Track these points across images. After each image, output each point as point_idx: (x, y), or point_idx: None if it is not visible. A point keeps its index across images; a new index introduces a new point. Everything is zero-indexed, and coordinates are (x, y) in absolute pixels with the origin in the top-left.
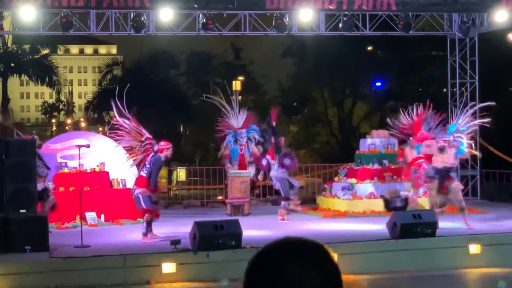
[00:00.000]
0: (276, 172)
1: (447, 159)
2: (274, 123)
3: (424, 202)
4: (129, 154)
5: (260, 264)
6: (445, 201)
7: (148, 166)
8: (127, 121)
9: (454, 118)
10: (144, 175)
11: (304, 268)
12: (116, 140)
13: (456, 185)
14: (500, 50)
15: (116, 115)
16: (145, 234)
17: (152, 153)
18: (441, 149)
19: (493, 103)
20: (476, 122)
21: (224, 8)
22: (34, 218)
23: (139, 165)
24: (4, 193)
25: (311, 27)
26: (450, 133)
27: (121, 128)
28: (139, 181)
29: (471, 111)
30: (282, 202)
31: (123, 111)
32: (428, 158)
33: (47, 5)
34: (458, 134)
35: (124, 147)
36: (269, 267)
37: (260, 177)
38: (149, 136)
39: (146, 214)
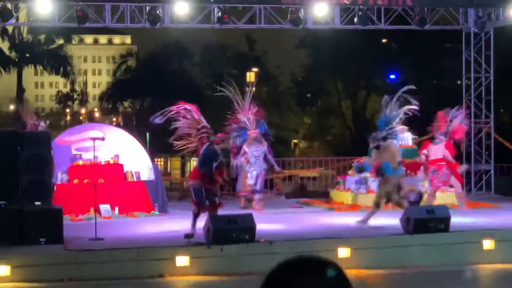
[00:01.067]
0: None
1: None
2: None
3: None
4: (185, 141)
5: (274, 281)
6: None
7: (201, 157)
8: (188, 107)
9: (467, 112)
10: (197, 167)
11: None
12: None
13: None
14: None
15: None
16: (193, 226)
17: (208, 144)
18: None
19: (414, 87)
20: (404, 108)
21: (239, 2)
22: (49, 210)
23: (194, 153)
24: (19, 184)
25: (326, 20)
26: (381, 128)
27: (182, 112)
28: (192, 174)
29: (395, 98)
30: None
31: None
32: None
33: None
34: (389, 127)
35: (180, 133)
36: (282, 285)
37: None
38: (206, 125)
39: (193, 207)
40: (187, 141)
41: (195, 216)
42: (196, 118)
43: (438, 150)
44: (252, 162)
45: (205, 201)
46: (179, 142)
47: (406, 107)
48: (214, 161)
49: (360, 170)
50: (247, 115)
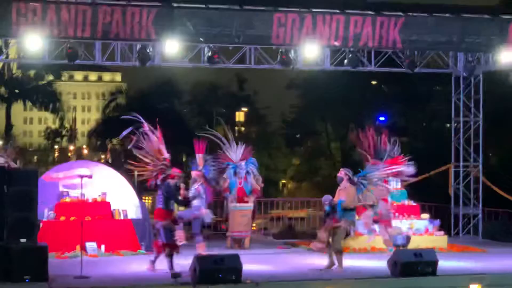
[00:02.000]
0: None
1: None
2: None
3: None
4: (140, 167)
5: None
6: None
7: (161, 196)
8: (154, 134)
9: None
10: (161, 206)
11: None
12: (136, 146)
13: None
14: (505, 88)
15: (146, 124)
16: (170, 268)
17: (163, 176)
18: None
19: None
20: (381, 184)
21: (230, 42)
22: (34, 247)
23: (145, 181)
24: (5, 221)
25: (316, 61)
26: (358, 175)
27: (147, 138)
28: (157, 214)
29: (389, 172)
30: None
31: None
32: None
33: (53, 36)
34: (362, 181)
35: (139, 157)
36: None
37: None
38: (166, 157)
39: (166, 249)
40: (142, 167)
41: (170, 257)
42: (158, 148)
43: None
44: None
45: (174, 239)
46: (135, 163)
47: (384, 186)
48: (174, 192)
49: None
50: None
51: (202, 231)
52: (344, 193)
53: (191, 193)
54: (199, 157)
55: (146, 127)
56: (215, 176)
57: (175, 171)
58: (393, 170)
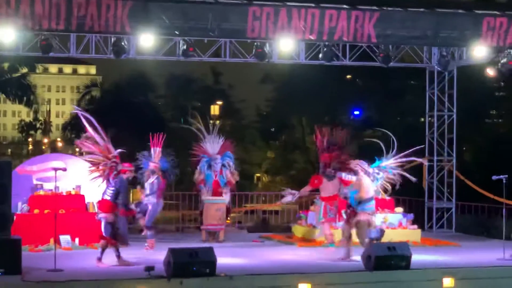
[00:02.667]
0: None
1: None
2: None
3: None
4: (93, 168)
5: None
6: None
7: (112, 188)
8: (99, 135)
9: (430, 149)
10: (109, 198)
11: None
12: (84, 152)
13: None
14: (478, 83)
15: (89, 128)
16: (99, 259)
17: (115, 172)
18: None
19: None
20: (398, 171)
21: (205, 36)
22: (8, 240)
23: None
24: None
25: (291, 55)
26: (372, 166)
27: (92, 140)
28: (103, 205)
29: (403, 159)
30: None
31: (98, 126)
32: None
33: (27, 28)
34: (377, 171)
35: (89, 160)
36: None
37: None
38: (115, 154)
39: (102, 240)
40: (96, 168)
41: (104, 249)
42: (107, 147)
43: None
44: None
45: (116, 232)
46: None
47: (402, 173)
48: (127, 190)
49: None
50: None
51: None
52: (357, 185)
53: (148, 188)
54: (156, 151)
55: (89, 131)
56: (171, 169)
57: (126, 165)
58: (404, 160)
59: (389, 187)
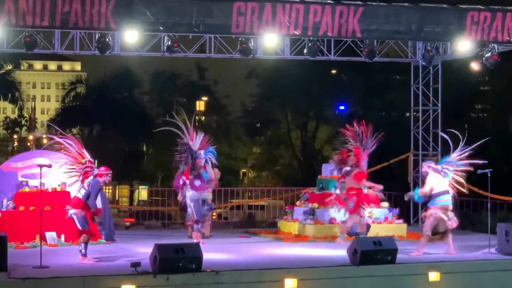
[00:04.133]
0: (190, 193)
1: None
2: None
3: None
4: (69, 174)
5: None
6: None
7: (86, 189)
8: (69, 142)
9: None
10: (80, 196)
11: None
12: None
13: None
14: (463, 77)
15: (58, 139)
16: (84, 255)
17: (91, 177)
18: (424, 175)
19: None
20: (469, 161)
21: (189, 32)
22: None
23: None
24: None
25: (276, 51)
26: (440, 163)
27: (63, 149)
28: (74, 202)
29: (467, 152)
30: (196, 225)
31: (64, 134)
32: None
33: (11, 24)
34: (446, 166)
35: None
36: None
37: (179, 197)
38: (90, 159)
39: (82, 235)
40: (73, 175)
41: (86, 243)
42: (79, 153)
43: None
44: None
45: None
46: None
47: (470, 162)
48: (97, 193)
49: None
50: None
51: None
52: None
53: None
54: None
55: (61, 141)
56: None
57: (102, 169)
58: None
59: (462, 180)
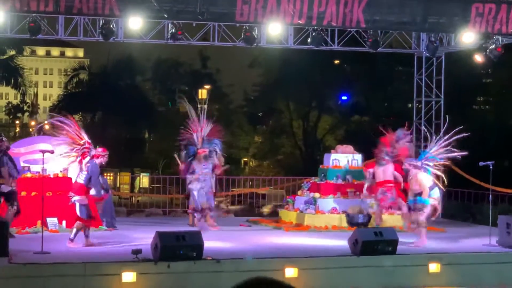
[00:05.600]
0: (191, 185)
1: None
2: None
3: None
4: (67, 154)
5: None
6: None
7: (86, 172)
8: (67, 123)
9: (416, 135)
10: (82, 182)
11: None
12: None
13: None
14: (466, 69)
15: (54, 122)
16: (71, 240)
17: (88, 157)
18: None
19: (467, 134)
20: (448, 155)
21: (193, 19)
22: None
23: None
24: None
25: (280, 40)
26: (419, 159)
27: (62, 129)
28: (77, 188)
29: (446, 143)
30: (196, 214)
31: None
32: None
33: (15, 9)
34: (426, 162)
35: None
36: None
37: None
38: (88, 140)
39: (77, 222)
40: (71, 155)
41: (79, 230)
42: (77, 134)
43: (385, 171)
44: (201, 180)
45: (90, 214)
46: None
47: (450, 155)
48: (98, 175)
49: None
50: (198, 132)
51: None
52: (415, 182)
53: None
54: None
55: (59, 124)
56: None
57: (99, 150)
58: (446, 147)
59: (442, 175)
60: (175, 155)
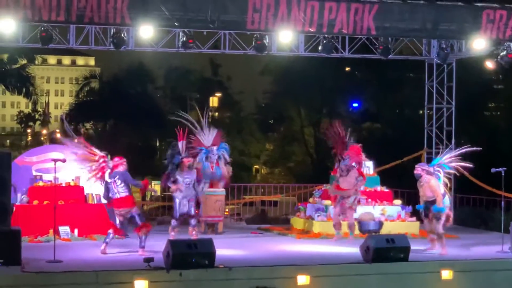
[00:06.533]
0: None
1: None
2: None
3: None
4: (88, 175)
5: None
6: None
7: (122, 184)
8: (77, 144)
9: (428, 142)
10: (126, 194)
11: None
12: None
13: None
14: (477, 75)
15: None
16: (143, 247)
17: (108, 170)
18: (417, 177)
19: (479, 149)
20: (459, 164)
21: (204, 28)
22: (7, 231)
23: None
24: None
25: (291, 47)
26: (432, 165)
27: (73, 152)
28: (127, 202)
29: (458, 152)
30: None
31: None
32: None
33: (27, 19)
34: (438, 168)
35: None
36: None
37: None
38: (102, 154)
39: (143, 229)
40: (92, 175)
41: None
42: (89, 151)
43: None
44: (183, 190)
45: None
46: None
47: (460, 164)
48: (129, 176)
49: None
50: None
51: None
52: (428, 189)
53: None
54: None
55: (69, 145)
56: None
57: (116, 160)
58: (458, 154)
59: (449, 183)
60: (197, 160)
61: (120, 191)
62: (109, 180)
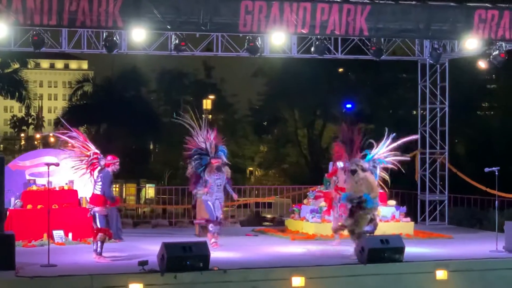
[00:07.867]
0: (206, 196)
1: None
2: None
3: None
4: (76, 168)
5: None
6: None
7: (100, 182)
8: (74, 136)
9: (422, 142)
10: (99, 192)
11: None
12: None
13: None
14: (470, 75)
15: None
16: (99, 254)
17: (99, 168)
18: (352, 172)
19: (416, 137)
20: (394, 158)
21: (197, 30)
22: (1, 236)
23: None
24: None
25: (283, 49)
26: (367, 160)
27: (68, 143)
28: (95, 200)
29: (394, 145)
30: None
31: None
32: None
33: (19, 23)
34: (373, 164)
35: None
36: None
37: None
38: (95, 151)
39: (99, 234)
40: (80, 168)
41: (103, 242)
42: (84, 146)
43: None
44: (214, 191)
45: (110, 225)
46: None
47: (396, 158)
48: (111, 183)
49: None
50: (208, 141)
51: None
52: (364, 185)
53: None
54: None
55: (64, 137)
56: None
57: (108, 159)
58: (394, 147)
59: (388, 178)
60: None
61: (96, 188)
62: (95, 178)
